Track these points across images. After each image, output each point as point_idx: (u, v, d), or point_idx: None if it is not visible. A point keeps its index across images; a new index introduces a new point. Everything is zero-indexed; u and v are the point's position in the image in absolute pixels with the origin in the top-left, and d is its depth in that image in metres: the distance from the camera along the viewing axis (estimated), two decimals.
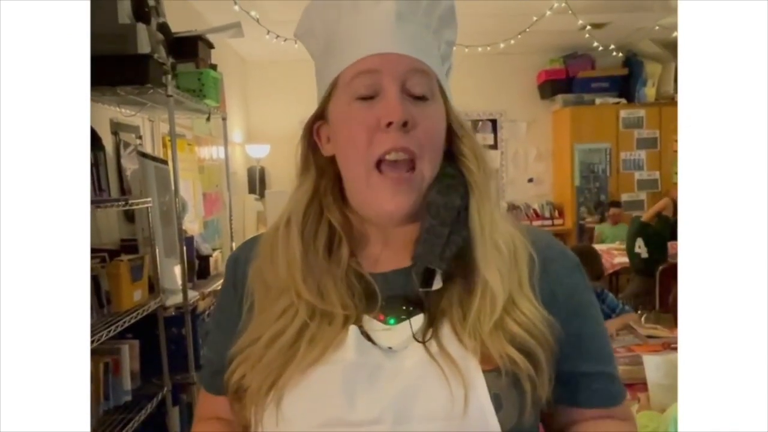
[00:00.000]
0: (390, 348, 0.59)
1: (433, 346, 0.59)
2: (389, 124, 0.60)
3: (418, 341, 0.59)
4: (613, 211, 5.01)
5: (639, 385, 1.72)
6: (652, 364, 1.54)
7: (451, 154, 0.66)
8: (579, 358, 0.64)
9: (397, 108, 0.60)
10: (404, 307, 0.61)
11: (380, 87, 0.61)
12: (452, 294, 0.61)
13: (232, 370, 0.63)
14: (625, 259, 4.21)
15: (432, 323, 0.60)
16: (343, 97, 0.63)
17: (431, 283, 0.61)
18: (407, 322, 0.60)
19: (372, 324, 0.61)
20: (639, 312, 3.32)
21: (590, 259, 2.83)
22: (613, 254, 4.31)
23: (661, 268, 3.65)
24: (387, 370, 0.58)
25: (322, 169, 0.68)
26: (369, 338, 0.60)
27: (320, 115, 0.67)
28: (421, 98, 0.62)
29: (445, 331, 0.60)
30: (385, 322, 0.61)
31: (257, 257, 0.67)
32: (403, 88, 0.61)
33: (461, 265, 0.62)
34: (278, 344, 0.61)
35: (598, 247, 4.61)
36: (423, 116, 0.62)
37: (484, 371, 0.57)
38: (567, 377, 0.63)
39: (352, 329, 0.60)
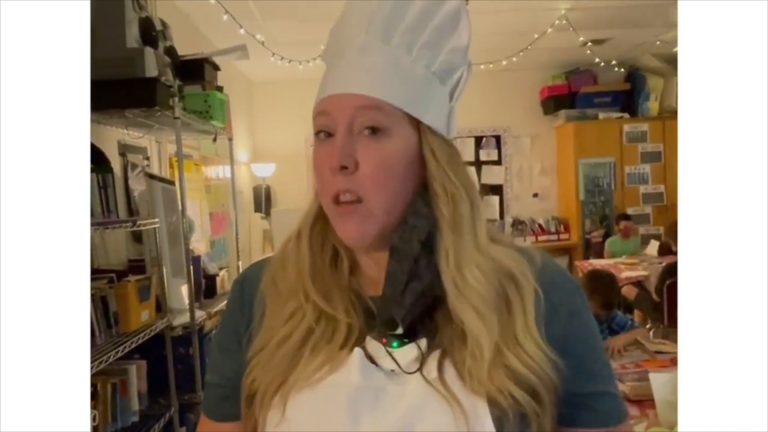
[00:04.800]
0: (393, 371, 0.60)
1: (432, 372, 0.59)
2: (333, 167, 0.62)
3: (408, 373, 0.59)
4: (624, 224, 4.94)
5: (648, 401, 1.71)
6: (658, 381, 1.53)
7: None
8: (581, 381, 0.64)
9: (334, 154, 0.61)
10: (405, 331, 0.61)
11: (334, 127, 0.62)
12: (452, 326, 0.61)
13: (246, 375, 0.64)
14: (633, 273, 4.18)
15: (433, 347, 0.61)
16: (314, 133, 0.66)
17: (396, 326, 0.61)
18: (410, 345, 0.61)
19: (375, 347, 0.62)
20: (648, 326, 3.29)
21: (608, 287, 2.74)
22: (620, 268, 4.29)
23: (668, 282, 3.63)
24: (391, 393, 0.59)
25: None
26: (373, 361, 0.61)
27: None
28: (372, 135, 0.61)
29: (447, 361, 0.60)
30: (388, 345, 0.61)
31: (270, 271, 0.69)
32: (352, 126, 0.62)
33: (442, 307, 0.62)
34: (285, 347, 0.63)
35: (606, 261, 4.60)
36: (371, 155, 0.61)
37: (487, 395, 0.57)
38: (569, 398, 0.63)
39: (357, 352, 0.61)
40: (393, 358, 0.60)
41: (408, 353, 0.61)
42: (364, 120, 0.61)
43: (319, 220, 0.68)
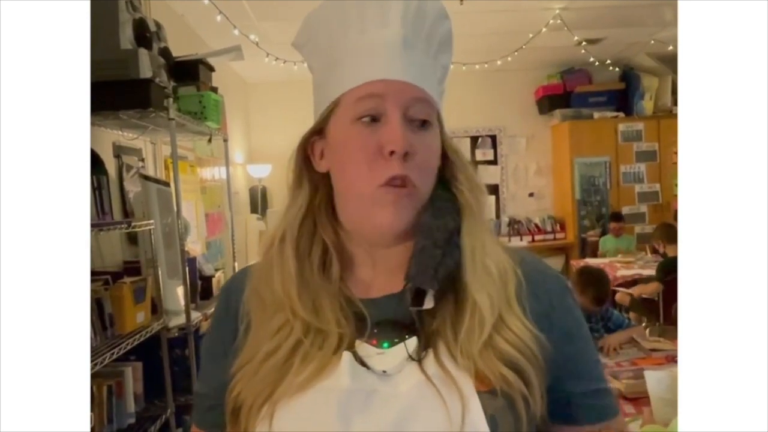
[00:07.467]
0: (384, 372, 0.60)
1: (429, 367, 0.59)
2: (392, 152, 0.61)
3: (414, 359, 0.60)
4: (614, 225, 5.04)
5: (643, 399, 1.72)
6: (653, 378, 1.54)
7: (444, 177, 0.67)
8: (572, 380, 0.65)
9: (399, 138, 0.60)
10: (396, 331, 0.62)
11: (384, 112, 0.62)
12: (444, 315, 0.62)
13: (231, 388, 0.63)
14: (628, 272, 4.20)
15: (426, 345, 0.61)
16: (345, 117, 0.63)
17: (422, 302, 0.62)
18: (401, 344, 0.61)
19: (366, 349, 0.61)
20: (644, 325, 3.30)
21: (599, 282, 2.76)
22: (616, 267, 4.31)
23: (664, 280, 3.64)
24: (382, 394, 0.59)
25: (315, 185, 0.68)
26: (363, 363, 0.60)
27: (317, 131, 0.67)
28: (421, 126, 0.63)
29: (441, 351, 0.60)
30: (378, 346, 0.61)
31: (252, 281, 0.68)
32: (406, 115, 0.62)
33: (452, 286, 0.63)
34: (273, 360, 0.62)
35: (600, 261, 4.62)
36: (422, 145, 0.63)
37: (478, 392, 0.58)
38: (561, 397, 0.64)
39: (346, 355, 0.60)
40: (405, 348, 0.60)
41: (399, 352, 0.61)
42: (417, 111, 0.63)
43: (307, 219, 0.67)
